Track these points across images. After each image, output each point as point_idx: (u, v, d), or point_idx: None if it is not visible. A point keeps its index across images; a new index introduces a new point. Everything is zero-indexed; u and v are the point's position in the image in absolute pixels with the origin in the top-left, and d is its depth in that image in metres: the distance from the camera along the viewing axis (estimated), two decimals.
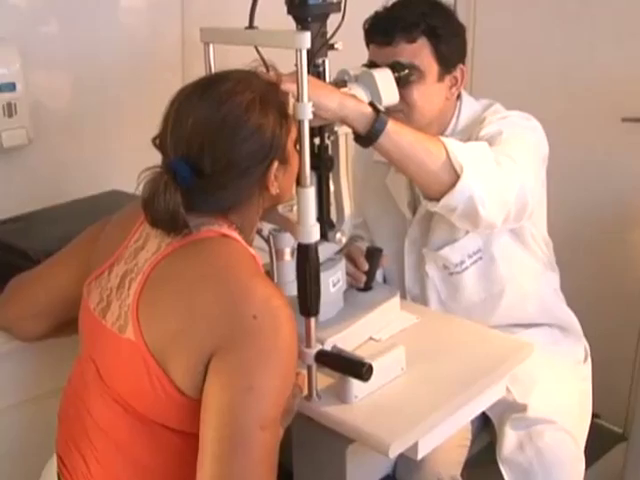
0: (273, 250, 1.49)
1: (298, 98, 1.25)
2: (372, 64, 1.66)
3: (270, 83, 1.30)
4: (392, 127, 1.40)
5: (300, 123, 1.26)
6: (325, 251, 1.57)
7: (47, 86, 1.95)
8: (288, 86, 1.31)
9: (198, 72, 1.38)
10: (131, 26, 2.12)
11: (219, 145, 1.23)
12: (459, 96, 1.79)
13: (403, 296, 1.89)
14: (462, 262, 1.78)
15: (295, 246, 1.46)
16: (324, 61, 1.48)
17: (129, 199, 1.52)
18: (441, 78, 1.69)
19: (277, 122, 1.27)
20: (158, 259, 1.24)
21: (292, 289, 1.53)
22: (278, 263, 1.50)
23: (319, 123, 1.41)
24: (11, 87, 1.86)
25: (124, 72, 2.05)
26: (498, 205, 1.50)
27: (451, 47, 1.68)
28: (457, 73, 1.72)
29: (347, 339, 1.56)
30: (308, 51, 1.25)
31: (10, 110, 1.86)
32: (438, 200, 1.47)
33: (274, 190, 1.30)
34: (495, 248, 1.77)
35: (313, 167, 1.49)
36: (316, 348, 1.40)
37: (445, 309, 1.86)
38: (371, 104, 1.42)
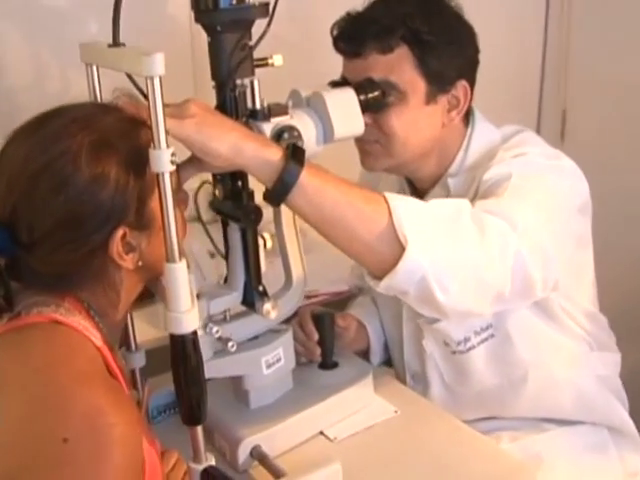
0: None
1: (153, 143, 0.92)
2: (344, 81, 1.28)
3: (130, 121, 0.97)
4: (309, 181, 1.02)
5: (158, 177, 0.93)
6: (255, 325, 1.23)
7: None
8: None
9: None
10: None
11: (36, 207, 0.93)
12: (469, 122, 1.37)
13: (403, 372, 1.51)
14: (466, 340, 1.36)
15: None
16: (252, 82, 1.13)
17: None
18: (431, 99, 1.28)
19: (125, 174, 0.94)
20: None
21: (207, 371, 1.20)
22: None
23: (214, 171, 1.07)
24: None
25: None
26: (472, 288, 1.08)
27: (444, 58, 1.26)
28: (458, 92, 1.30)
29: (280, 437, 1.23)
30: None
31: None
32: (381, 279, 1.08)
33: (128, 264, 0.98)
34: (510, 324, 1.34)
35: (235, 219, 1.17)
36: (205, 463, 1.06)
37: (450, 394, 1.45)
38: (291, 146, 1.05)
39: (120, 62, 0.97)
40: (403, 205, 1.05)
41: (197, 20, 1.09)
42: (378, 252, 1.05)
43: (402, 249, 1.03)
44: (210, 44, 1.10)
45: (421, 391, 1.47)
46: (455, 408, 1.44)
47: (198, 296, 1.18)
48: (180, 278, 0.97)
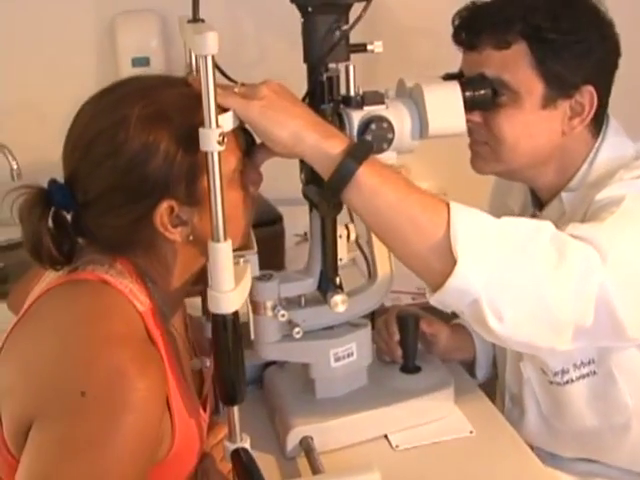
0: (247, 300, 1.17)
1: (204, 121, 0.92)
2: (460, 74, 1.19)
3: (194, 97, 0.97)
4: (366, 179, 0.96)
5: (207, 156, 0.93)
6: (331, 314, 1.19)
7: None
8: (230, 102, 0.98)
9: None
10: None
11: (90, 170, 0.97)
12: (600, 132, 1.21)
13: (504, 392, 1.41)
14: (564, 371, 1.22)
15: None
16: (347, 67, 1.09)
17: None
18: (550, 103, 1.14)
19: (175, 148, 0.95)
20: (40, 293, 1.04)
21: (272, 352, 1.21)
22: (255, 317, 1.19)
23: (282, 156, 1.04)
24: (144, 62, 1.76)
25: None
26: (534, 319, 0.96)
27: (568, 59, 1.12)
28: (583, 98, 1.15)
29: (336, 432, 1.20)
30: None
31: None
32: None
33: (176, 237, 0.99)
34: (615, 363, 1.18)
35: (315, 206, 1.15)
36: (239, 444, 1.06)
37: (547, 426, 1.31)
38: (360, 141, 1.00)
39: (188, 39, 0.98)
40: (465, 217, 0.96)
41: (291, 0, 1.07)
42: (430, 265, 0.96)
43: (454, 265, 0.95)
44: (303, 25, 1.08)
45: (517, 416, 1.36)
46: (552, 442, 1.33)
47: (271, 277, 1.20)
48: (223, 258, 0.97)
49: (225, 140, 0.92)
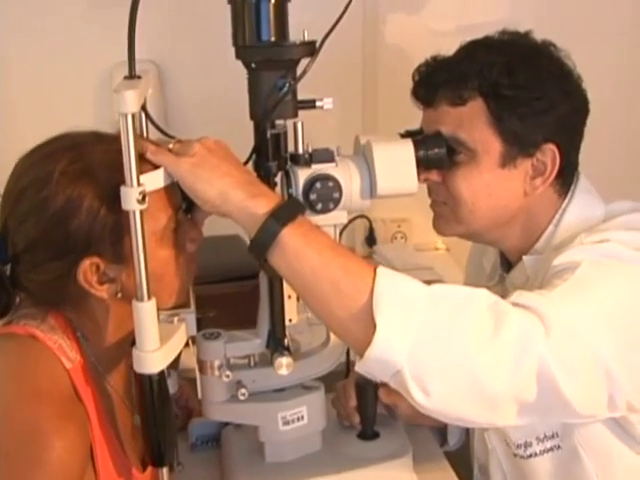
0: (195, 359, 1.14)
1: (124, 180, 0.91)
2: (419, 132, 1.15)
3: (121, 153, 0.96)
4: (289, 241, 0.92)
5: (130, 215, 0.91)
6: (282, 376, 1.15)
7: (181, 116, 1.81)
8: (160, 159, 0.97)
9: None
10: None
11: (16, 224, 0.97)
12: (569, 192, 1.15)
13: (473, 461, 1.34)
14: (527, 445, 1.15)
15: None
16: (295, 124, 1.06)
17: None
18: (509, 162, 1.09)
19: (98, 205, 0.94)
20: None
21: (218, 413, 1.17)
22: (202, 377, 1.15)
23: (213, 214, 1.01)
24: None
25: None
26: (465, 394, 0.90)
27: (527, 117, 1.07)
28: (545, 156, 1.10)
29: None
30: None
31: None
32: None
33: (102, 294, 0.98)
34: (579, 439, 1.10)
35: (261, 265, 1.11)
36: None
37: None
38: (288, 201, 0.97)
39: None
40: (390, 284, 0.91)
41: (236, 55, 1.05)
42: (352, 332, 0.92)
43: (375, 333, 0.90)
44: (248, 80, 1.06)
45: None
46: None
47: (218, 336, 1.17)
48: (147, 317, 0.95)
49: (146, 199, 0.91)
